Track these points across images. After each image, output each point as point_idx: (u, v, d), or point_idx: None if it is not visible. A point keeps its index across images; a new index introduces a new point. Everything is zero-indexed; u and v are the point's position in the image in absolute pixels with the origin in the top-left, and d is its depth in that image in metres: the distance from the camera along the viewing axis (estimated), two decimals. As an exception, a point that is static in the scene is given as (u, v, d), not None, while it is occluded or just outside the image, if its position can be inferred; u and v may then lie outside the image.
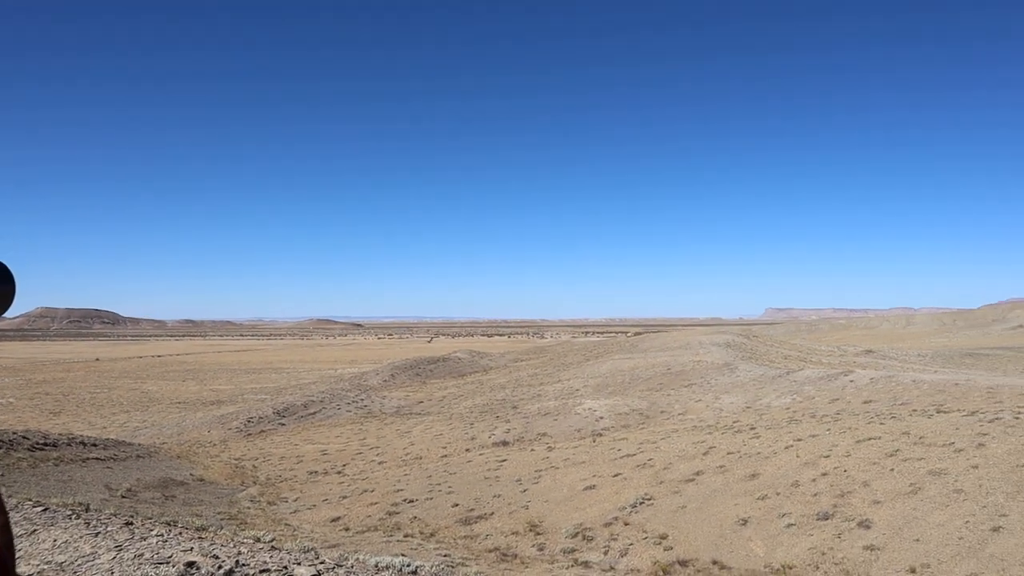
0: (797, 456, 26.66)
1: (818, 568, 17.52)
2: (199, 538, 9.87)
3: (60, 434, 41.59)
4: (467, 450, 42.06)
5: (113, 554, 8.90)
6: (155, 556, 8.82)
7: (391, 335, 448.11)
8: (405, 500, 29.41)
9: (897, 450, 24.89)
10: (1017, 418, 27.31)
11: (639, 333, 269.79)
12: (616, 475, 28.67)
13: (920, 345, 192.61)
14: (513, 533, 23.50)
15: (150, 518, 13.22)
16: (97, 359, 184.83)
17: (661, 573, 18.42)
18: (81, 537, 10.01)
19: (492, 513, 26.12)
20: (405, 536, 23.57)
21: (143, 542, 9.57)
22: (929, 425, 28.38)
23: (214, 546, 9.01)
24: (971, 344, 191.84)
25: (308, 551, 9.66)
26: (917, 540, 17.75)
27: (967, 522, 18.02)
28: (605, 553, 20.73)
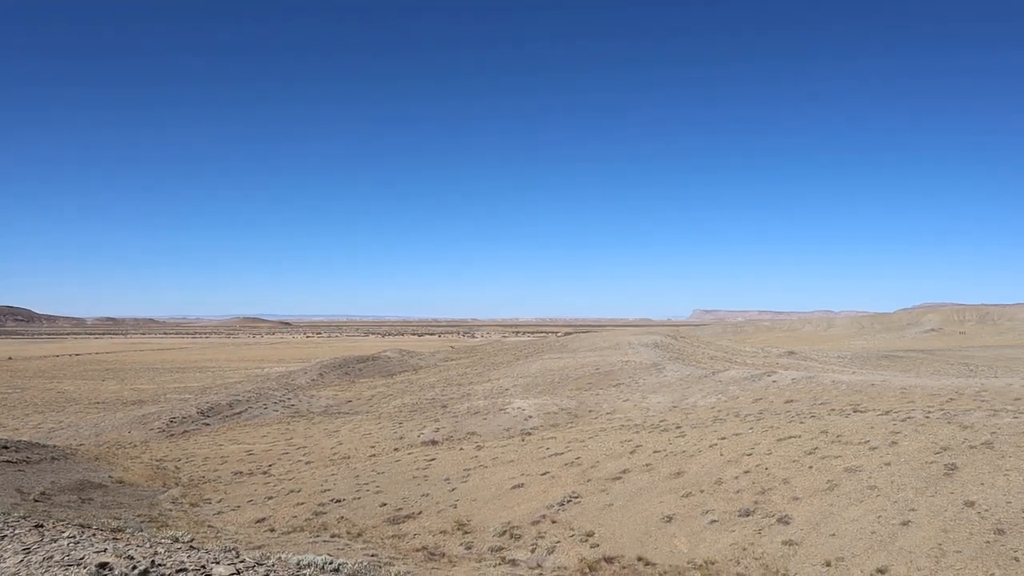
0: (721, 454, 27.27)
1: (739, 563, 17.97)
2: (114, 539, 9.57)
3: (-32, 435, 39.82)
4: (396, 449, 41.79)
5: (20, 557, 8.56)
6: (66, 558, 8.51)
7: (320, 334, 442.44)
8: (332, 500, 29.07)
9: (816, 448, 25.69)
10: (927, 417, 28.47)
11: (569, 333, 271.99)
12: (544, 474, 28.86)
13: (840, 347, 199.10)
14: (441, 532, 23.46)
15: (62, 520, 12.77)
16: (9, 358, 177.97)
17: (587, 570, 18.63)
18: (-14, 540, 9.58)
19: (420, 512, 26.02)
20: (332, 536, 23.31)
21: (53, 544, 9.23)
22: (846, 424, 29.35)
23: (129, 547, 8.75)
24: (887, 346, 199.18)
25: (229, 551, 9.46)
26: (833, 535, 18.37)
27: (879, 517, 18.73)
28: (532, 551, 20.86)
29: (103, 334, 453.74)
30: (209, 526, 25.22)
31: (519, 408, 52.91)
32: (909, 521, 18.10)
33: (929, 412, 30.30)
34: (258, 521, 26.80)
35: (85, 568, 7.38)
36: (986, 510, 17.81)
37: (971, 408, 31.26)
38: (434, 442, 43.63)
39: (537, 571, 18.99)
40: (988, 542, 16.33)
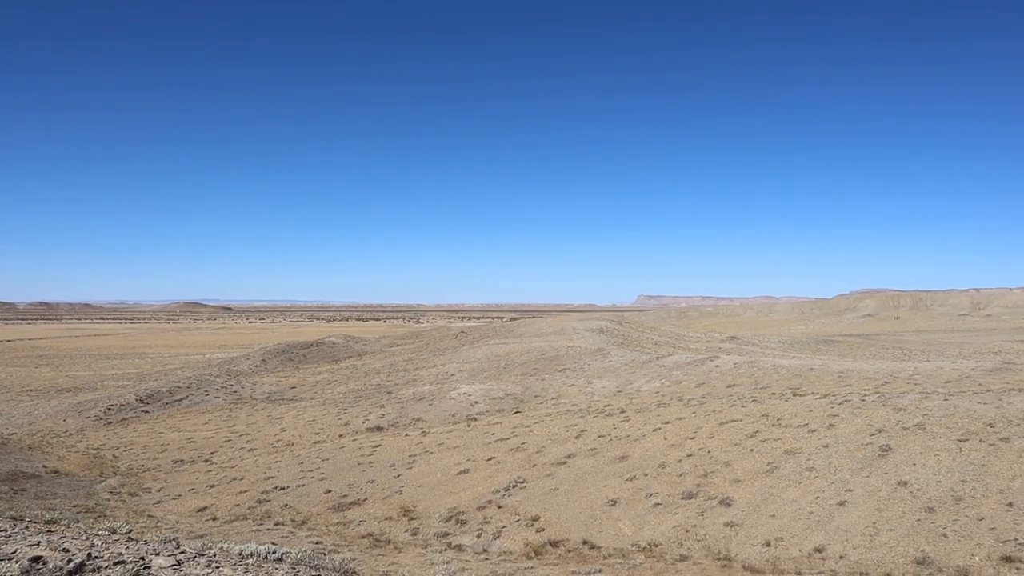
0: (665, 438, 27.68)
1: (682, 545, 18.30)
2: (48, 532, 9.29)
3: None
4: (340, 436, 41.48)
5: (-52, 552, 8.24)
6: (-3, 552, 8.21)
7: (263, 319, 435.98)
8: (276, 488, 28.74)
9: (757, 431, 26.25)
10: (863, 400, 29.29)
11: (515, 319, 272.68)
12: (490, 459, 28.94)
13: (780, 332, 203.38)
14: (387, 518, 23.39)
15: (-6, 512, 12.36)
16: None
17: (533, 554, 18.77)
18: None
19: (365, 499, 25.89)
20: (276, 524, 23.08)
21: (-16, 538, 8.89)
22: (786, 407, 30.03)
23: (64, 539, 8.49)
24: (825, 331, 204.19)
25: (169, 541, 9.27)
26: (773, 516, 18.83)
27: (817, 497, 19.26)
28: (478, 536, 20.94)
29: (36, 319, 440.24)
30: (149, 516, 24.75)
31: (465, 394, 52.92)
32: (845, 501, 18.65)
33: (865, 395, 31.18)
34: (200, 510, 26.39)
35: (17, 563, 7.12)
36: (918, 489, 18.45)
37: (905, 391, 32.25)
38: (379, 428, 43.41)
39: (483, 556, 19.06)
40: (919, 520, 16.92)
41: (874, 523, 17.23)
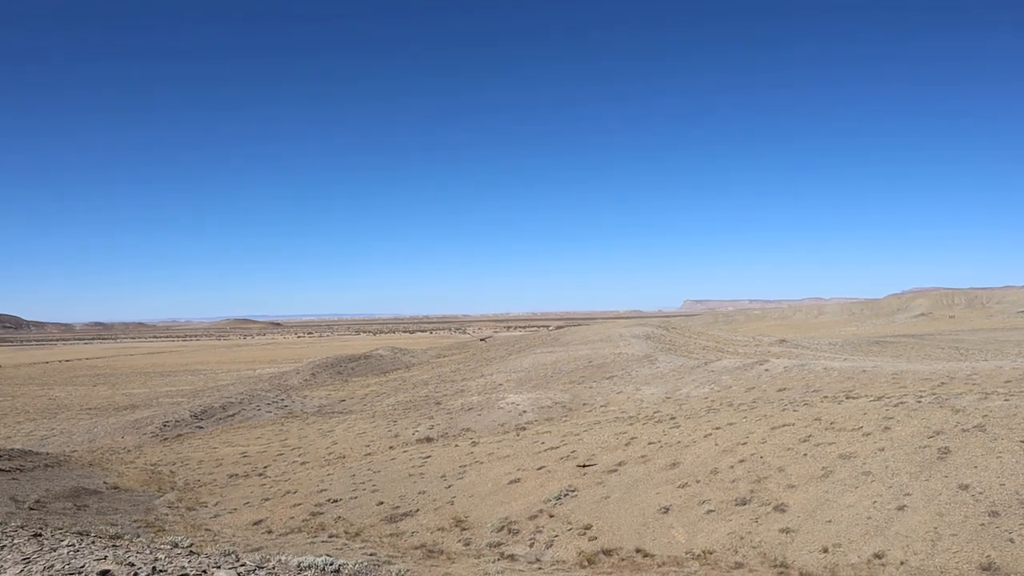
0: (716, 444, 27.37)
1: (737, 552, 18.06)
2: (113, 546, 9.53)
3: (-40, 445, 39.60)
4: (391, 447, 41.76)
5: (20, 567, 8.51)
6: (66, 567, 8.45)
7: (311, 333, 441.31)
8: (329, 500, 29.04)
9: (810, 436, 25.82)
10: (919, 402, 28.64)
11: (561, 327, 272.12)
12: (540, 468, 28.90)
13: (830, 334, 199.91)
14: (439, 529, 23.48)
15: (60, 528, 12.70)
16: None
17: (586, 563, 18.69)
18: (-14, 552, 9.52)
19: (417, 510, 26.02)
20: (330, 536, 23.30)
21: (53, 553, 9.17)
22: (839, 411, 29.50)
23: (129, 553, 8.71)
24: (877, 332, 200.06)
25: (229, 554, 9.45)
26: (829, 521, 18.48)
27: (875, 502, 18.86)
28: (531, 545, 20.91)
29: (93, 339, 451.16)
30: (206, 529, 25.17)
31: (513, 403, 52.94)
32: (904, 506, 18.23)
33: (921, 397, 30.49)
34: (255, 523, 26.76)
35: (87, 577, 7.35)
36: (980, 492, 17.95)
37: (963, 392, 31.45)
38: (429, 439, 43.62)
39: (536, 565, 19.03)
40: (983, 524, 16.46)
41: (935, 528, 16.80)
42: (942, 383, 38.26)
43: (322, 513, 27.15)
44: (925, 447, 21.85)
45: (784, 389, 45.23)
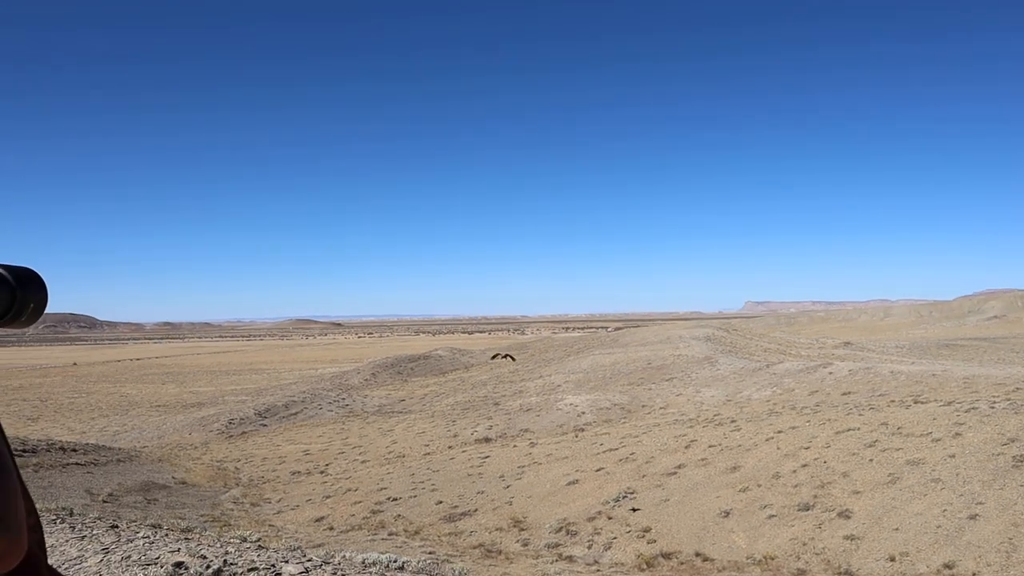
0: (778, 448, 26.89)
1: (799, 558, 17.72)
2: (186, 539, 9.84)
3: (39, 440, 41.15)
4: (450, 447, 42.05)
5: (100, 557, 8.86)
6: (143, 558, 8.79)
7: (371, 334, 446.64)
8: (389, 499, 29.35)
9: (876, 441, 25.18)
10: (992, 407, 27.69)
11: (619, 328, 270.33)
12: (599, 469, 28.78)
13: (897, 336, 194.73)
14: (497, 529, 23.55)
15: (134, 521, 13.14)
16: (74, 364, 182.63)
17: (645, 566, 18.54)
18: (67, 541, 9.95)
19: (476, 510, 26.14)
20: (390, 534, 23.57)
21: (130, 544, 9.53)
22: (907, 416, 28.70)
23: (201, 546, 8.99)
24: (947, 335, 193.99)
25: (295, 549, 9.66)
26: (896, 529, 17.99)
27: (944, 511, 18.29)
28: (589, 547, 20.83)
29: (162, 339, 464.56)
30: (270, 525, 25.69)
31: (571, 404, 52.81)
32: (977, 515, 17.63)
33: (994, 402, 29.47)
34: (317, 520, 27.21)
35: (162, 567, 7.60)
36: (1057, 502, 17.30)
37: (1038, 397, 30.34)
38: (487, 439, 43.80)
39: (594, 567, 18.95)
40: (1060, 535, 15.86)
41: (1010, 539, 16.22)
42: (1017, 388, 36.92)
43: (382, 511, 27.46)
44: (999, 454, 21.12)
45: (849, 393, 44.21)
